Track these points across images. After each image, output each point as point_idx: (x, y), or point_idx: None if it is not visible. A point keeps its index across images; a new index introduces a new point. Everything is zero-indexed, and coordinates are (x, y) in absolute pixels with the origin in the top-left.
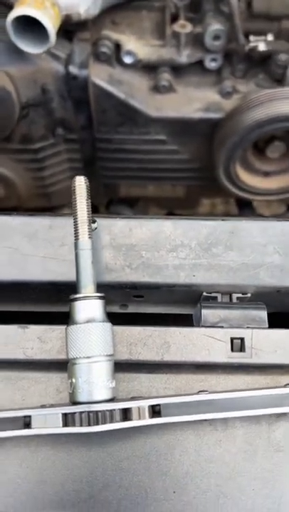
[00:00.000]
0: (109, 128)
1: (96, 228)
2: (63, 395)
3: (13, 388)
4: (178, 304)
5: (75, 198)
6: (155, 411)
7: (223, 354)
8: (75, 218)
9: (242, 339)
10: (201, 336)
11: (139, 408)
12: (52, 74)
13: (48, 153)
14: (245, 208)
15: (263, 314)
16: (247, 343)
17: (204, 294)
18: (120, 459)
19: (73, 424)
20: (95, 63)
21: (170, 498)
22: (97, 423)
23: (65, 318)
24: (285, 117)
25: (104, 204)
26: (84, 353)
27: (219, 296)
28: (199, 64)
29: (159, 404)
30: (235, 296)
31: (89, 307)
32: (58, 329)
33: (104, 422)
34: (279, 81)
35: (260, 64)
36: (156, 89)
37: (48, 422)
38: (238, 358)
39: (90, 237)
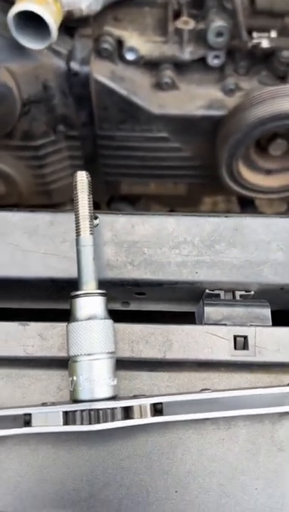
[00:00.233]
0: (111, 125)
1: (98, 224)
2: (64, 393)
3: (14, 386)
4: (180, 302)
5: (77, 193)
6: (157, 409)
7: (226, 352)
8: (76, 214)
9: (245, 337)
10: (203, 333)
11: (140, 406)
12: (53, 70)
13: (49, 151)
14: (247, 206)
15: (267, 312)
16: (250, 341)
17: (207, 291)
18: (121, 458)
19: (74, 423)
20: (96, 59)
21: (172, 497)
22: (98, 421)
23: (66, 316)
24: (287, 115)
25: (105, 201)
26: (85, 351)
27: (222, 293)
28: (202, 61)
29: (161, 403)
30: (238, 293)
31: (90, 304)
32: (59, 326)
33: (105, 421)
34: (282, 78)
35: (263, 61)
36: (159, 86)
37: (48, 420)
38: (241, 356)
39: (91, 233)
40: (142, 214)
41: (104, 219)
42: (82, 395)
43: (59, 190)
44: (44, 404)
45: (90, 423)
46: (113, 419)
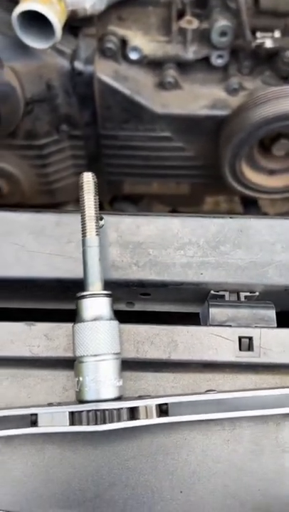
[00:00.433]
0: (114, 124)
1: (103, 225)
2: (70, 393)
3: (19, 386)
4: (185, 303)
5: (83, 194)
6: (162, 410)
7: (231, 353)
8: (82, 215)
9: (250, 338)
10: (208, 334)
11: (146, 407)
12: (57, 69)
13: (52, 150)
14: (250, 207)
15: (272, 313)
16: (255, 343)
17: (212, 292)
18: (127, 458)
19: (80, 423)
20: (100, 59)
21: (177, 497)
22: (104, 422)
23: (71, 316)
24: None
25: (107, 201)
26: (91, 351)
27: (227, 294)
28: (205, 60)
29: (166, 404)
30: (243, 294)
31: (96, 305)
32: (65, 327)
33: (111, 421)
34: (286, 78)
35: (267, 61)
36: (162, 85)
37: (54, 421)
38: (246, 357)
39: (97, 234)
40: (147, 215)
41: (110, 220)
42: (88, 395)
43: (62, 189)
44: (50, 405)
45: (96, 423)
46: (119, 420)
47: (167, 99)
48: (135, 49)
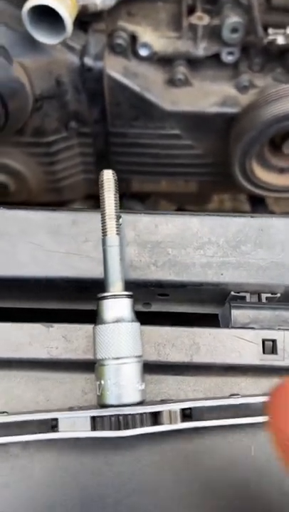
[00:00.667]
0: (124, 122)
1: (121, 224)
2: (89, 397)
3: (37, 389)
4: (203, 303)
5: (103, 192)
6: (185, 414)
7: (254, 356)
8: (102, 213)
9: (274, 341)
10: (231, 337)
11: (170, 411)
12: (67, 65)
13: (61, 147)
14: (258, 205)
15: None
16: (279, 345)
17: (232, 293)
18: (148, 464)
19: (102, 428)
20: (110, 55)
21: (200, 505)
22: (127, 427)
23: (88, 317)
24: None
25: None
26: (113, 354)
27: (248, 295)
28: (215, 57)
29: (190, 408)
30: (264, 296)
31: (117, 306)
32: (84, 328)
33: (134, 426)
34: None
35: (278, 58)
36: (172, 82)
37: (76, 426)
38: (269, 360)
39: (118, 234)
40: (165, 213)
41: (127, 218)
42: (110, 399)
43: (69, 187)
44: (71, 409)
45: (119, 429)
46: (142, 425)
47: (177, 96)
48: (145, 45)
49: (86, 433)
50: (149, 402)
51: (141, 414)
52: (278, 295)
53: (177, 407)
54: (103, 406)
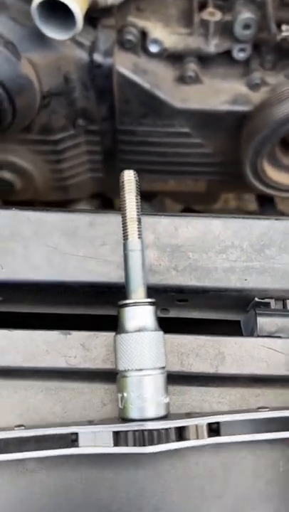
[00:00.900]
0: (132, 119)
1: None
2: (108, 408)
3: (54, 400)
4: (224, 310)
5: (124, 193)
6: (212, 429)
7: (282, 367)
8: (123, 216)
9: None
10: (258, 346)
11: (197, 426)
12: (75, 62)
13: (68, 145)
14: (266, 204)
15: None
16: None
17: (256, 299)
18: (171, 480)
19: (125, 444)
20: (119, 51)
21: None
22: (151, 443)
23: (105, 323)
24: None
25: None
26: (136, 365)
27: (272, 302)
28: (227, 54)
29: (217, 422)
30: None
31: (140, 314)
32: (103, 336)
33: (159, 442)
34: None
35: None
36: (182, 79)
37: (97, 441)
38: None
39: (139, 237)
40: (185, 216)
41: (146, 220)
42: (133, 413)
43: (76, 185)
44: (91, 422)
45: (143, 444)
46: (167, 441)
47: (187, 93)
48: (155, 41)
49: (108, 449)
50: (174, 416)
51: (166, 429)
52: None
53: (204, 421)
54: (125, 420)
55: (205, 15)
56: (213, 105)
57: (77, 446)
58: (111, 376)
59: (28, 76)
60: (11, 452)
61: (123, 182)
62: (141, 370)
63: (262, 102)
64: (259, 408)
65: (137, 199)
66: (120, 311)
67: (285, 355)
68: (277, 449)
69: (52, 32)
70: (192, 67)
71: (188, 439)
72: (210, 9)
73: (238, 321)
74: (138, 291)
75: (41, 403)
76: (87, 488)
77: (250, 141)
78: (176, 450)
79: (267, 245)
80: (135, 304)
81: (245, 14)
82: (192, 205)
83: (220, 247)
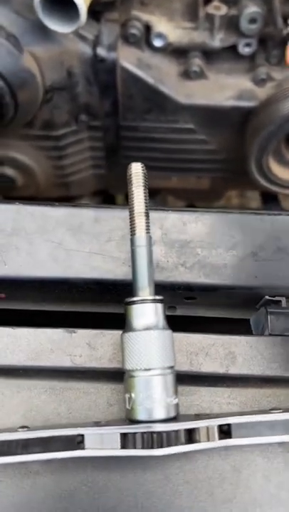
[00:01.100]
0: (136, 115)
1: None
2: (114, 409)
3: (59, 399)
4: (233, 308)
5: (132, 187)
6: (223, 431)
7: None
8: (131, 210)
9: None
10: (271, 346)
11: (207, 428)
12: (79, 56)
13: (70, 141)
14: (270, 202)
15: None
16: None
17: (266, 297)
18: (180, 483)
19: (133, 446)
20: (123, 46)
21: None
22: (160, 445)
23: (111, 320)
24: None
25: (123, 195)
26: (144, 365)
27: (283, 300)
28: (232, 49)
29: (228, 424)
30: None
31: (148, 312)
32: (110, 334)
33: (168, 444)
34: None
35: None
36: (187, 74)
37: (104, 443)
38: None
39: (147, 233)
40: (194, 211)
41: (153, 216)
42: (142, 415)
43: (78, 182)
44: (97, 424)
45: (152, 447)
46: (177, 443)
47: (192, 89)
48: (160, 36)
49: (116, 451)
50: (183, 418)
51: (175, 431)
52: None
53: (215, 423)
54: (133, 421)
55: (210, 9)
56: (218, 101)
57: (83, 448)
58: (117, 376)
59: (30, 70)
60: (15, 454)
61: (131, 175)
62: (149, 369)
63: (268, 97)
64: (271, 409)
65: (145, 193)
66: (127, 308)
67: None
68: None
69: (55, 25)
70: (197, 62)
71: (199, 442)
72: (215, 3)
73: (247, 319)
74: (146, 288)
75: (45, 403)
76: (92, 491)
77: (256, 137)
78: (184, 452)
79: (278, 241)
80: (143, 301)
81: (252, 8)
82: (195, 202)
83: (229, 243)
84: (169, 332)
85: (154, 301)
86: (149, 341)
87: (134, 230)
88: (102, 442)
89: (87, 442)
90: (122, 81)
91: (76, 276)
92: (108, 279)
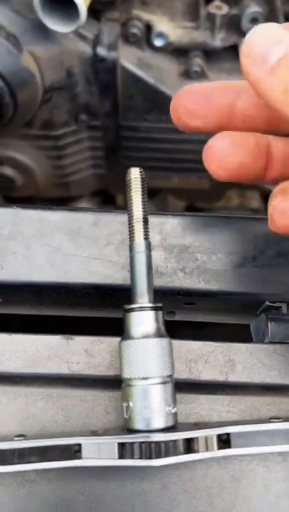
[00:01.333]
0: (136, 115)
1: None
2: (112, 417)
3: (56, 407)
4: (233, 313)
5: (130, 193)
6: (222, 440)
7: None
8: (130, 216)
9: None
10: (271, 353)
11: (206, 438)
12: (78, 55)
13: (70, 141)
14: None
15: None
16: None
17: (267, 303)
18: (178, 492)
19: (131, 456)
20: (123, 45)
21: None
22: (158, 455)
23: (109, 325)
24: None
25: (123, 195)
26: (142, 374)
27: (284, 306)
28: (232, 49)
29: (228, 433)
30: None
31: (146, 320)
32: (108, 341)
33: (166, 454)
34: None
35: None
36: (187, 74)
37: (101, 452)
38: None
39: (146, 238)
40: (194, 215)
41: (152, 220)
42: (140, 424)
43: (77, 182)
44: (94, 433)
45: (150, 457)
46: (175, 453)
47: None
48: (160, 35)
49: (113, 461)
50: (182, 426)
51: (174, 441)
52: None
53: (214, 432)
54: (131, 431)
55: (211, 8)
56: None
57: (80, 457)
58: (115, 383)
59: (29, 69)
60: (10, 464)
61: (130, 180)
62: (147, 378)
63: None
64: (271, 418)
65: (144, 198)
66: (126, 316)
67: None
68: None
69: (55, 24)
70: (198, 62)
71: (197, 451)
72: (217, 2)
73: (247, 325)
74: (144, 296)
75: (42, 411)
76: (90, 500)
77: None
78: (183, 462)
79: (278, 246)
80: (141, 308)
81: (253, 8)
82: (195, 202)
83: (229, 248)
84: (167, 340)
85: (153, 308)
86: (147, 350)
87: (133, 237)
88: (99, 452)
89: (84, 452)
90: (122, 81)
91: (74, 281)
92: (107, 284)
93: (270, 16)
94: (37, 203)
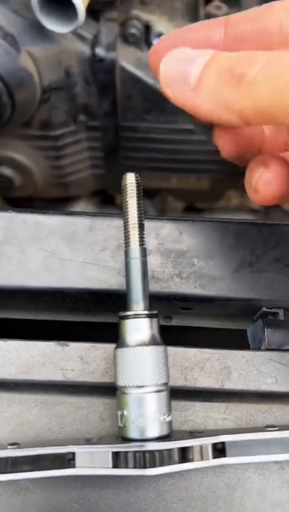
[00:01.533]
0: (135, 115)
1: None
2: (106, 424)
3: (50, 414)
4: (229, 318)
5: (126, 198)
6: (217, 448)
7: None
8: (125, 222)
9: None
10: (267, 360)
11: (201, 447)
12: (77, 56)
13: (68, 141)
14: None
15: None
16: None
17: (263, 309)
18: (173, 501)
19: (126, 465)
20: (122, 45)
21: None
22: (153, 464)
23: (104, 330)
24: None
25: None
26: (137, 382)
27: (281, 312)
28: None
29: (223, 442)
30: None
31: (142, 327)
32: (102, 348)
33: (161, 464)
34: None
35: None
36: None
37: (95, 461)
38: None
39: (142, 245)
40: (191, 220)
41: (149, 225)
42: (134, 433)
43: (76, 182)
44: (88, 441)
45: (144, 466)
46: (170, 462)
47: None
48: (160, 35)
49: (107, 470)
50: (177, 435)
51: (168, 450)
52: None
53: (209, 441)
54: (125, 439)
55: (211, 8)
56: None
57: (74, 466)
58: (110, 390)
59: (27, 69)
60: (4, 473)
61: (125, 185)
62: (142, 387)
63: None
64: (267, 426)
65: (139, 204)
66: (121, 323)
67: None
68: (285, 469)
69: (53, 25)
70: None
71: (192, 460)
72: (216, 3)
73: (244, 330)
74: (140, 302)
75: (36, 418)
76: (84, 509)
77: None
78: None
79: (275, 252)
80: (136, 316)
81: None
82: (195, 202)
83: (226, 253)
84: (163, 347)
85: (148, 316)
86: (142, 358)
87: (129, 243)
88: (93, 461)
89: (78, 460)
90: (121, 81)
91: (69, 286)
92: (102, 289)
93: None
94: (35, 203)
